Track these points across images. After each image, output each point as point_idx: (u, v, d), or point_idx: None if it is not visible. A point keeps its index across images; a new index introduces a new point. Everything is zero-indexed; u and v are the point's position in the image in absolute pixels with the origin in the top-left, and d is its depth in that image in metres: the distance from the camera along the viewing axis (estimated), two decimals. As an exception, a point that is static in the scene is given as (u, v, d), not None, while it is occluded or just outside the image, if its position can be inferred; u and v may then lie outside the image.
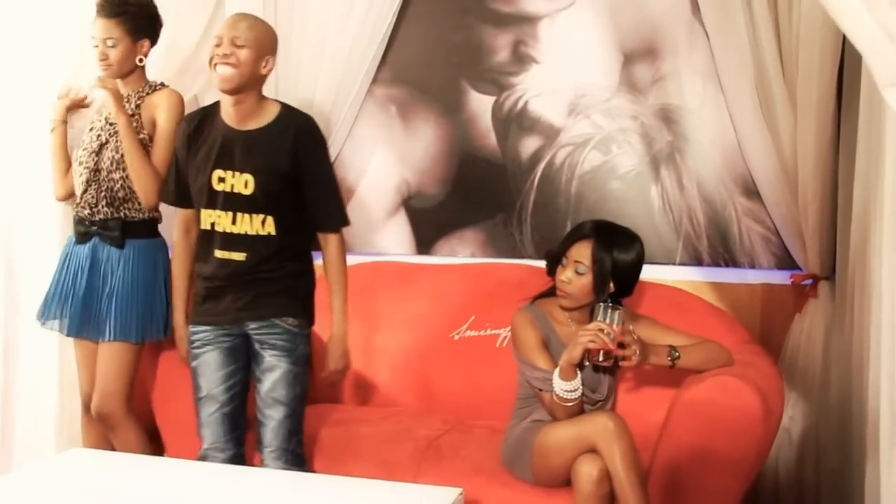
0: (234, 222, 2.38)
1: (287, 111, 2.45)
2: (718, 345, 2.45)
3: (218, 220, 2.39)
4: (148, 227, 2.72)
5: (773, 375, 2.44)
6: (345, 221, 2.54)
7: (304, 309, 2.47)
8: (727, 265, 3.02)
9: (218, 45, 2.34)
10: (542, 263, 3.07)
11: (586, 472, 2.14)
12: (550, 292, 2.55)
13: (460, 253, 3.31)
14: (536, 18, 3.18)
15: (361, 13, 3.22)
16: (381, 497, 2.01)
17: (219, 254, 2.40)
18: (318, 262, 2.57)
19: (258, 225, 2.38)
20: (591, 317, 2.38)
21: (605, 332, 2.24)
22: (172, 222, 2.66)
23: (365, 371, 3.02)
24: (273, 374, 2.41)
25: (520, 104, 3.21)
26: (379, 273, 3.17)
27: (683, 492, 2.19)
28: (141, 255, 2.68)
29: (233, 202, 2.37)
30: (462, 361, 2.97)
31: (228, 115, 2.41)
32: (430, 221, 3.33)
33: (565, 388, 2.27)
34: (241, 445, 2.50)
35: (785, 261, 2.95)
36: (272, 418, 2.41)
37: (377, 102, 3.35)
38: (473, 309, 3.01)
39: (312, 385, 3.04)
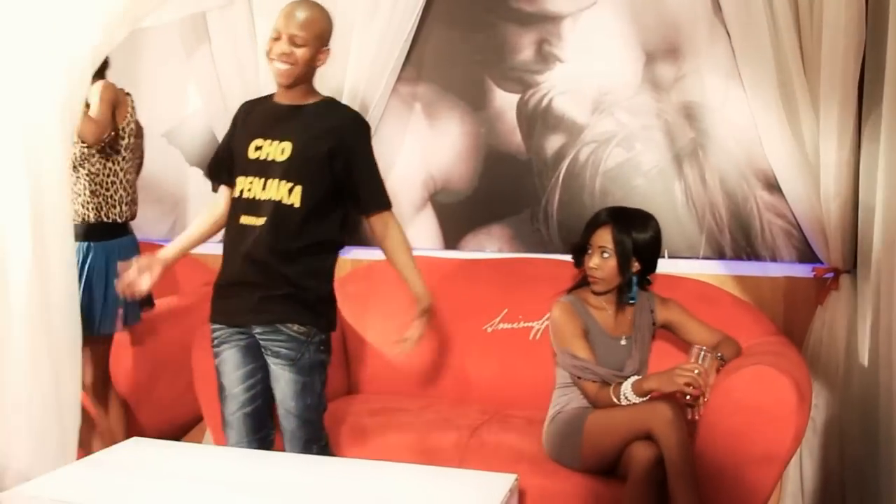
0: (263, 188, 2.34)
1: (333, 100, 2.50)
2: (733, 339, 2.59)
3: (249, 186, 2.36)
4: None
5: (801, 365, 2.52)
6: (388, 202, 2.47)
7: (314, 315, 2.37)
8: (749, 259, 3.10)
9: (276, 40, 2.32)
10: (569, 258, 3.17)
11: (642, 456, 2.22)
12: (581, 284, 2.68)
13: (488, 248, 3.38)
14: (559, 18, 3.24)
15: (386, 13, 3.28)
16: (440, 483, 2.05)
17: (243, 219, 2.36)
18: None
19: (284, 192, 2.32)
20: (620, 296, 2.62)
21: (700, 375, 2.28)
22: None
23: (400, 362, 3.09)
24: (279, 384, 2.36)
25: (544, 102, 3.28)
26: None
27: (722, 478, 2.26)
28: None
29: (266, 169, 2.34)
30: (496, 353, 3.04)
31: (278, 95, 2.44)
32: (457, 217, 3.40)
33: (631, 398, 2.35)
34: (267, 445, 2.44)
35: (806, 254, 3.03)
36: (286, 429, 2.38)
37: (402, 100, 3.41)
38: (506, 302, 3.08)
39: (348, 377, 3.12)
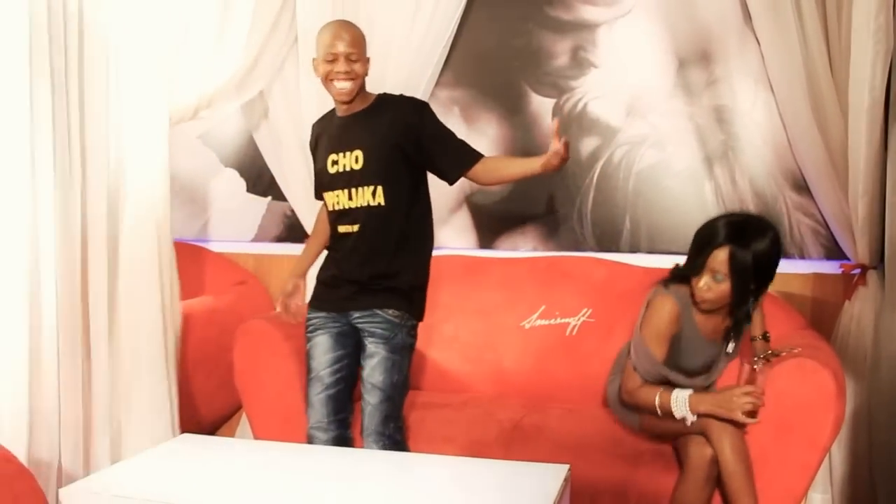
0: (350, 198, 2.53)
1: (385, 95, 2.63)
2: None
3: (337, 199, 2.56)
4: None
5: (834, 357, 2.64)
6: (480, 154, 2.54)
7: (409, 302, 2.56)
8: (778, 256, 3.22)
9: (332, 62, 2.49)
10: (604, 256, 3.30)
11: (699, 453, 2.32)
12: (680, 277, 2.52)
13: (522, 247, 3.50)
14: (595, 25, 3.37)
15: (426, 20, 3.39)
16: (497, 475, 2.10)
17: (341, 229, 2.57)
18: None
19: (369, 195, 2.50)
20: (731, 315, 2.46)
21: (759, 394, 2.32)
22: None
23: (439, 359, 3.20)
24: (372, 360, 2.52)
25: (579, 106, 3.40)
26: (447, 266, 3.35)
27: (766, 464, 2.38)
28: None
29: (347, 179, 2.53)
30: (533, 349, 3.16)
31: (338, 109, 2.62)
32: (492, 217, 3.52)
33: (681, 412, 2.38)
34: (345, 428, 2.62)
35: (833, 251, 3.16)
36: (369, 403, 2.53)
37: (441, 104, 3.53)
38: (543, 299, 3.20)
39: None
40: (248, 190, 3.90)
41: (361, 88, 2.58)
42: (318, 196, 2.73)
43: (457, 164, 2.53)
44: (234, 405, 3.59)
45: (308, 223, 3.66)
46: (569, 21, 3.39)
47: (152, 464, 2.16)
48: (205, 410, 3.44)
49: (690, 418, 2.37)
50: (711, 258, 2.37)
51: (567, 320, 3.15)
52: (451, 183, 2.58)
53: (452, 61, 3.50)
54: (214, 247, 3.96)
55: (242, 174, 3.91)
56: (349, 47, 2.49)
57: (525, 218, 3.49)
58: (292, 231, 3.82)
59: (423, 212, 2.60)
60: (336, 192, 2.57)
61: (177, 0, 2.85)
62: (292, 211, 3.76)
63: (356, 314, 2.57)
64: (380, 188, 2.50)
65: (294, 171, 3.63)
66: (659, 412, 2.42)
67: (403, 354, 2.57)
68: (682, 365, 2.51)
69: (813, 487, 3.04)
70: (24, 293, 2.31)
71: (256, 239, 3.91)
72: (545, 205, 3.47)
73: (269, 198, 3.87)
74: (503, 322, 3.21)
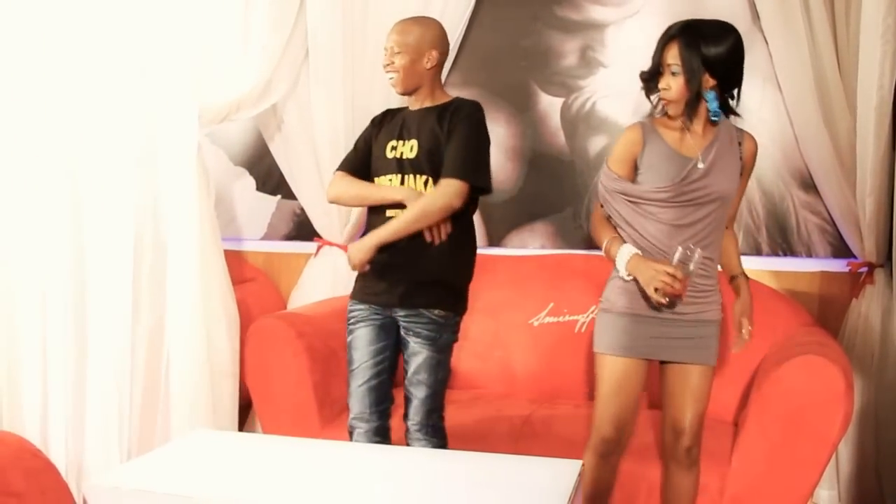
0: (402, 183, 2.52)
1: (459, 98, 2.61)
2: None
3: (389, 183, 2.55)
4: None
5: (842, 354, 2.66)
6: (467, 175, 2.44)
7: (454, 300, 2.54)
8: (785, 255, 3.25)
9: (386, 49, 2.57)
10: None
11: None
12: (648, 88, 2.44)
13: (531, 245, 3.52)
14: (604, 25, 3.39)
15: (435, 17, 3.41)
16: (511, 470, 2.10)
17: (389, 213, 2.51)
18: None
19: (420, 185, 2.50)
20: (690, 112, 2.33)
21: (675, 276, 2.22)
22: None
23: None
24: (417, 358, 2.52)
25: (587, 105, 3.43)
26: (456, 264, 3.37)
27: (775, 463, 2.41)
28: None
29: (401, 166, 2.53)
30: (542, 346, 3.18)
31: (410, 103, 2.64)
32: (501, 215, 3.54)
33: (619, 266, 2.33)
34: (385, 418, 2.62)
35: (840, 250, 3.18)
36: (416, 397, 2.55)
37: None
38: (551, 297, 3.22)
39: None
40: (258, 188, 3.93)
41: (425, 83, 2.57)
42: (345, 167, 2.68)
43: (446, 168, 2.47)
44: (243, 401, 3.61)
45: (317, 222, 3.69)
46: (578, 21, 3.41)
47: (171, 458, 2.18)
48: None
49: (623, 276, 2.32)
50: (666, 54, 2.34)
51: (576, 317, 3.17)
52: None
53: (461, 61, 3.53)
54: (224, 244, 3.97)
55: (252, 173, 3.94)
56: (393, 41, 2.55)
57: (534, 216, 3.52)
58: (301, 229, 3.85)
59: (469, 211, 2.58)
60: (389, 176, 2.56)
61: (202, 11, 2.89)
62: (301, 209, 3.79)
63: (401, 312, 2.55)
64: (431, 180, 2.49)
65: (304, 169, 3.66)
66: (604, 254, 2.39)
67: (447, 352, 2.57)
68: (655, 182, 2.35)
69: (820, 484, 3.07)
70: (53, 293, 2.35)
71: (266, 237, 3.94)
72: (554, 203, 3.49)
73: (279, 196, 3.90)
74: (512, 320, 3.24)
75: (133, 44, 2.57)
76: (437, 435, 2.56)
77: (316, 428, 2.93)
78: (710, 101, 2.32)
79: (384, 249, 2.51)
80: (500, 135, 3.53)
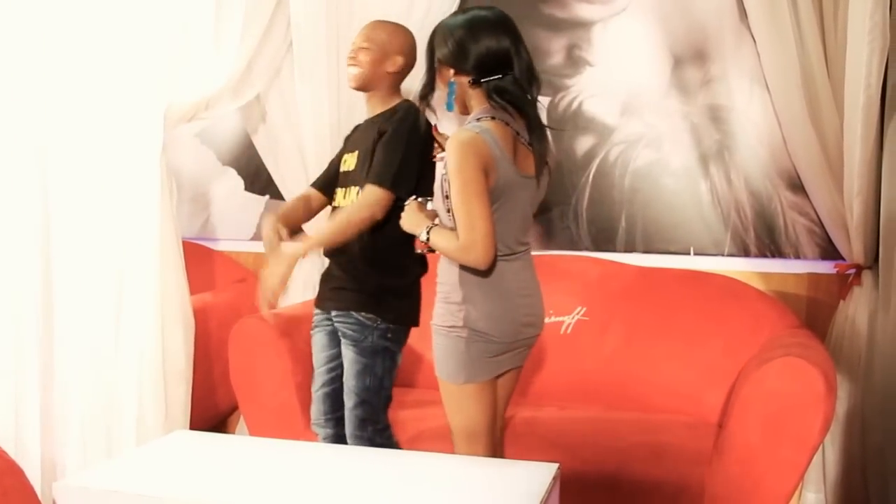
0: (345, 197, 2.60)
1: (406, 101, 2.59)
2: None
3: (337, 196, 2.64)
4: None
5: (826, 356, 2.63)
6: (383, 181, 2.41)
7: (378, 305, 2.50)
8: (773, 256, 3.22)
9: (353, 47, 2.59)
10: (599, 255, 3.30)
11: None
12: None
13: (518, 245, 3.50)
14: (590, 24, 3.37)
15: (419, 19, 3.39)
16: (485, 473, 2.09)
17: None
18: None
19: (354, 197, 2.53)
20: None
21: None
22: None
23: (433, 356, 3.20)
24: (346, 362, 2.54)
25: (574, 104, 3.40)
26: (443, 265, 3.36)
27: (755, 466, 2.38)
28: None
29: (347, 179, 2.60)
30: (527, 347, 3.16)
31: (367, 109, 2.65)
32: (488, 216, 3.52)
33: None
34: (342, 426, 2.61)
35: (828, 251, 3.14)
36: (347, 405, 2.56)
37: (435, 104, 3.48)
38: (537, 298, 3.20)
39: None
40: (246, 188, 3.92)
41: (380, 86, 2.57)
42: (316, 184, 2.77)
43: (371, 170, 2.46)
44: (232, 403, 3.61)
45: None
46: (564, 19, 3.39)
47: (146, 459, 2.16)
48: (203, 407, 3.45)
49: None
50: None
51: (561, 319, 3.15)
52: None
53: (448, 60, 3.50)
54: (214, 245, 3.98)
55: (240, 172, 3.93)
56: (361, 38, 2.58)
57: (521, 217, 3.49)
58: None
59: (397, 218, 2.46)
60: (339, 190, 2.64)
61: (171, 3, 2.86)
62: (290, 209, 3.77)
63: (335, 313, 2.59)
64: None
65: (291, 169, 3.64)
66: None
67: (376, 358, 2.52)
68: None
69: (807, 487, 3.05)
70: (17, 290, 2.34)
71: (255, 237, 3.93)
72: (542, 204, 3.45)
73: (267, 196, 3.89)
74: None
75: (98, 38, 2.55)
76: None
77: (300, 428, 2.91)
78: (449, 94, 2.24)
79: (331, 256, 2.58)
80: (488, 134, 3.50)
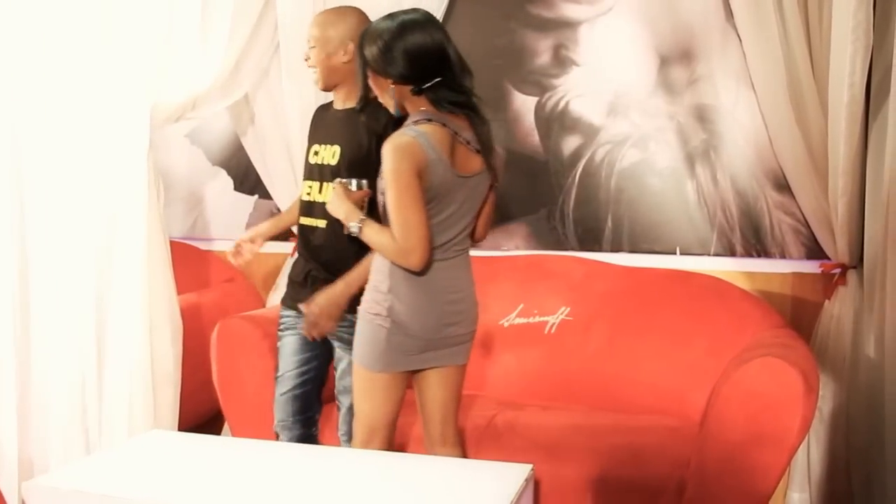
0: (320, 191, 2.50)
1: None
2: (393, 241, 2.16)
3: (309, 189, 2.53)
4: None
5: (809, 356, 2.62)
6: None
7: None
8: (759, 256, 3.21)
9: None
10: (586, 255, 3.30)
11: None
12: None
13: (505, 246, 3.50)
14: (577, 24, 3.36)
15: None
16: (456, 475, 2.10)
17: (306, 221, 2.53)
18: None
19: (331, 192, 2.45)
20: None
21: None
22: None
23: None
24: (342, 364, 2.52)
25: (561, 104, 3.40)
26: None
27: (733, 466, 2.37)
28: None
29: (322, 172, 2.49)
30: (511, 347, 3.16)
31: (334, 100, 2.58)
32: (475, 216, 3.52)
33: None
34: (310, 427, 2.63)
35: (814, 251, 3.13)
36: (343, 405, 2.55)
37: (424, 103, 3.52)
38: (522, 298, 3.20)
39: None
40: (236, 188, 3.93)
41: (347, 80, 2.48)
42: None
43: None
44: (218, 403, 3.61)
45: (294, 221, 3.68)
46: (551, 19, 3.38)
47: (118, 459, 2.17)
48: (189, 407, 3.44)
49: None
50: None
51: (545, 319, 3.15)
52: None
53: (436, 60, 3.50)
54: (204, 245, 3.99)
55: (230, 172, 3.94)
56: (309, 34, 2.49)
57: (508, 217, 3.49)
58: (279, 229, 3.84)
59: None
60: (310, 183, 2.54)
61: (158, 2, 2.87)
62: (279, 209, 3.78)
63: None
64: None
65: (279, 169, 3.65)
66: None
67: None
68: None
69: (791, 487, 3.04)
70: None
71: (244, 237, 3.93)
72: (528, 204, 3.46)
73: (256, 196, 3.89)
74: (482, 320, 3.10)
75: (83, 36, 2.56)
76: None
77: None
78: (392, 102, 2.25)
79: (311, 258, 2.51)
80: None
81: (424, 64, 2.15)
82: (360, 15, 2.52)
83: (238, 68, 3.29)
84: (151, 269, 2.80)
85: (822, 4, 2.91)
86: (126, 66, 2.67)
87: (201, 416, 3.63)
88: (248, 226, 3.92)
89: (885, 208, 2.73)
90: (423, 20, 2.19)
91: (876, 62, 2.81)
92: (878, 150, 2.82)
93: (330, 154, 2.50)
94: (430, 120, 2.17)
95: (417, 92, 2.18)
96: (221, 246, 3.96)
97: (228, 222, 3.95)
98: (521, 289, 3.22)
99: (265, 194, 3.82)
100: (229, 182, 3.94)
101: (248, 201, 3.91)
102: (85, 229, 2.61)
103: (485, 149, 2.24)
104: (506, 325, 3.19)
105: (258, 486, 2.00)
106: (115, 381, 2.74)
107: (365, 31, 2.25)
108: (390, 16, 2.22)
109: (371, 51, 2.19)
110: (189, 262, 3.83)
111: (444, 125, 2.17)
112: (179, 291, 3.49)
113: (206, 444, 2.34)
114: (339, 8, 2.57)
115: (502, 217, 3.49)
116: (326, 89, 2.52)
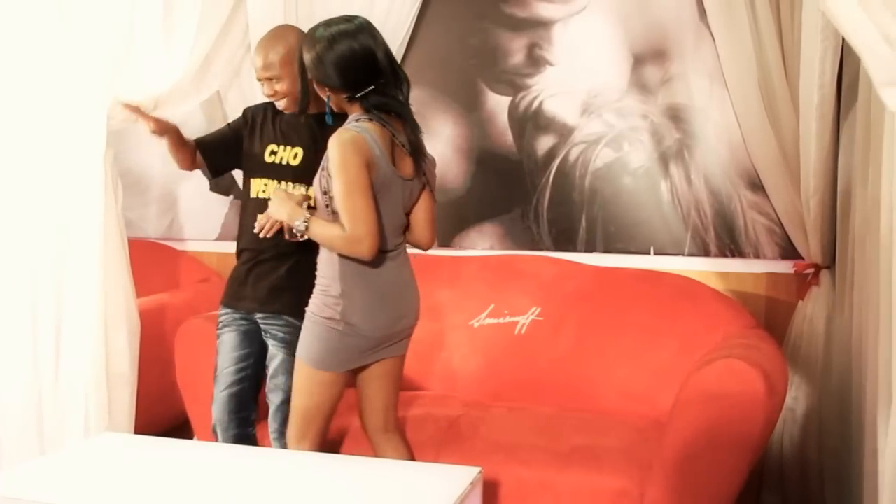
0: (281, 188, 2.50)
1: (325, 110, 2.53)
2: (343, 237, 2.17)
3: (264, 187, 2.56)
4: None
5: (777, 357, 2.58)
6: None
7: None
8: (733, 256, 3.18)
9: (259, 80, 2.52)
10: (560, 255, 3.27)
11: None
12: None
13: (479, 246, 3.47)
14: (550, 23, 3.34)
15: (381, 18, 3.36)
16: (401, 477, 2.09)
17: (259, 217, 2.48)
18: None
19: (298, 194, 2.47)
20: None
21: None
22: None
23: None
24: (275, 362, 2.56)
25: (535, 104, 3.37)
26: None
27: (694, 468, 2.34)
28: None
29: (280, 172, 2.54)
30: (481, 348, 3.13)
31: (280, 104, 2.57)
32: (449, 216, 3.49)
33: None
34: (246, 426, 2.64)
35: (788, 251, 3.11)
36: (273, 402, 2.58)
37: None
38: (492, 298, 3.17)
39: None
40: (211, 189, 3.91)
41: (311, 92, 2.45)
42: (219, 173, 2.80)
43: None
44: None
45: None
46: (524, 18, 3.36)
47: (61, 464, 2.13)
48: (160, 409, 3.43)
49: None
50: None
51: (516, 319, 3.12)
52: None
53: (409, 60, 3.48)
54: (180, 245, 3.97)
55: (204, 173, 3.90)
56: (265, 71, 2.50)
57: (482, 217, 3.47)
58: (255, 230, 3.81)
59: None
60: (265, 181, 2.58)
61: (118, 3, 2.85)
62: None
63: (260, 315, 2.58)
64: (311, 191, 2.44)
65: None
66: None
67: None
68: None
69: (765, 488, 3.01)
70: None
71: (220, 237, 3.92)
72: (502, 204, 3.44)
73: (231, 196, 3.88)
74: (452, 321, 3.19)
75: (38, 32, 2.54)
76: None
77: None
78: (327, 109, 2.31)
79: (251, 257, 2.55)
80: (449, 135, 3.48)
81: (355, 74, 2.21)
82: (298, 31, 2.56)
83: (205, 68, 3.25)
84: (107, 270, 2.78)
85: (794, 5, 2.89)
86: (83, 64, 2.65)
87: (176, 419, 3.61)
88: (224, 226, 3.91)
89: (857, 207, 2.69)
90: (354, 30, 2.22)
91: (846, 62, 2.78)
92: (848, 148, 2.79)
93: (291, 155, 2.55)
94: (370, 119, 2.23)
95: (352, 99, 2.24)
96: (196, 247, 3.95)
97: (205, 223, 3.94)
98: (492, 289, 3.20)
99: (240, 195, 3.79)
100: (204, 182, 3.91)
101: (224, 202, 3.90)
102: (40, 230, 2.60)
103: (416, 153, 2.29)
104: (476, 325, 3.16)
105: (198, 488, 1.98)
106: (71, 382, 2.71)
107: (305, 37, 2.30)
108: (327, 23, 2.26)
109: (307, 59, 2.25)
110: (163, 262, 3.82)
111: (384, 125, 2.23)
112: (152, 292, 3.48)
113: (157, 448, 2.32)
114: (278, 32, 2.58)
115: (476, 217, 3.47)
116: (303, 112, 2.44)
